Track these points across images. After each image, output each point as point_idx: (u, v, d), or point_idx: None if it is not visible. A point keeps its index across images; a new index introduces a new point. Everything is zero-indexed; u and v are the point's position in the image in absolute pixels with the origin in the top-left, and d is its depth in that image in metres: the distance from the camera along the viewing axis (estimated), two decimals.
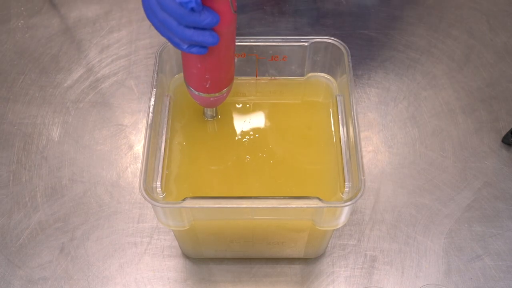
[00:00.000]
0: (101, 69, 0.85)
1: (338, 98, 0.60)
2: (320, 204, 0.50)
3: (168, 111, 0.60)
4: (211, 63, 0.52)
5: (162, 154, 0.57)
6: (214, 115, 0.62)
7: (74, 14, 0.92)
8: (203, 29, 0.47)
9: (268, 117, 0.63)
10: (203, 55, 0.50)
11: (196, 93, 0.56)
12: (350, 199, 0.50)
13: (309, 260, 0.68)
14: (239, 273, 0.67)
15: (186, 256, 0.68)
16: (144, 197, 0.50)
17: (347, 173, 0.55)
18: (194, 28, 0.47)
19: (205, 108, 0.61)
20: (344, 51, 0.59)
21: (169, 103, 0.61)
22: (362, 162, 0.52)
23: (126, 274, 0.67)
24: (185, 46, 0.49)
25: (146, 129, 0.54)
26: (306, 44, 0.61)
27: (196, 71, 0.53)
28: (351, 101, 0.56)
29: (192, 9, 0.44)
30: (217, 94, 0.56)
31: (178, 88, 0.64)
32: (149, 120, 0.55)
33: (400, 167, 0.75)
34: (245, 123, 0.62)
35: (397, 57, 0.87)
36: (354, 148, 0.53)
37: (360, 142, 0.53)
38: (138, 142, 0.77)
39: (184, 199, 0.50)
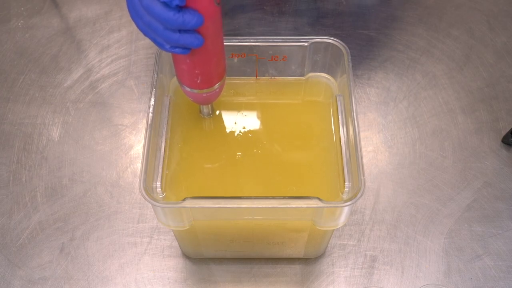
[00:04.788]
0: (101, 69, 0.85)
1: (338, 98, 0.60)
2: (320, 204, 0.50)
3: (168, 111, 0.60)
4: (199, 58, 0.52)
5: (162, 154, 0.57)
6: (210, 112, 0.62)
7: (74, 14, 0.92)
8: (187, 31, 0.47)
9: (268, 117, 0.63)
10: (192, 53, 0.50)
11: (189, 89, 0.56)
12: (350, 199, 0.50)
13: (309, 260, 0.68)
14: (239, 273, 0.67)
15: (186, 256, 0.68)
16: (144, 197, 0.50)
17: (347, 173, 0.55)
18: (180, 31, 0.47)
19: (201, 106, 0.61)
20: (344, 51, 0.59)
21: (169, 103, 0.61)
22: (362, 162, 0.52)
23: (126, 274, 0.67)
24: (168, 46, 0.49)
25: (146, 129, 0.54)
26: (306, 44, 0.61)
27: (185, 67, 0.53)
28: (351, 101, 0.56)
29: (177, 6, 0.45)
30: (209, 90, 0.56)
31: (178, 89, 0.64)
32: (149, 120, 0.55)
33: (400, 167, 0.75)
34: (246, 123, 0.62)
35: (397, 57, 0.87)
36: (354, 148, 0.53)
37: (360, 142, 0.53)
38: (138, 142, 0.77)
39: (184, 199, 0.50)
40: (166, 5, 0.45)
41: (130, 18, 0.91)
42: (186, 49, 0.49)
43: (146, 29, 0.49)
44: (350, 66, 0.58)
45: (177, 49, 0.49)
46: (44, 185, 0.73)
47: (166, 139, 0.58)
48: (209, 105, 0.61)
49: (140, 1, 0.46)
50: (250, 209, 0.54)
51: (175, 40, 0.47)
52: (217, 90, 0.57)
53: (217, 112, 0.63)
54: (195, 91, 0.56)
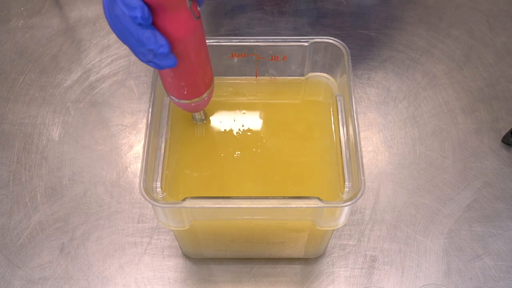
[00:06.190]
0: (101, 69, 0.85)
1: (338, 98, 0.60)
2: (320, 204, 0.50)
3: (168, 111, 0.60)
4: (183, 72, 0.51)
5: (162, 154, 0.57)
6: (203, 118, 0.61)
7: (74, 14, 0.92)
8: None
9: (269, 117, 0.63)
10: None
11: (176, 100, 0.55)
12: (350, 199, 0.50)
13: (309, 260, 0.68)
14: (239, 273, 0.67)
15: (186, 256, 0.68)
16: (144, 197, 0.50)
17: (347, 173, 0.55)
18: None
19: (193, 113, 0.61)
20: (344, 51, 0.59)
21: (169, 103, 0.61)
22: (362, 162, 0.52)
23: (126, 274, 0.67)
24: (144, 59, 0.47)
25: (146, 129, 0.54)
26: (306, 44, 0.61)
27: (171, 79, 0.52)
28: (351, 101, 0.56)
29: (140, 24, 0.43)
30: (198, 99, 0.55)
31: None
32: (149, 120, 0.55)
33: (400, 167, 0.75)
34: (246, 123, 0.62)
35: (397, 57, 0.87)
36: (354, 148, 0.53)
37: (360, 142, 0.53)
38: (138, 142, 0.77)
39: (184, 199, 0.50)
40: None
41: None
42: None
43: (122, 36, 0.46)
44: (350, 66, 0.58)
45: (151, 64, 0.47)
46: (44, 185, 0.73)
47: (166, 139, 0.58)
48: (201, 111, 0.60)
49: (112, 8, 0.44)
50: (250, 209, 0.54)
51: (146, 55, 0.45)
52: (206, 98, 0.56)
53: (217, 113, 0.63)
54: (184, 101, 0.55)
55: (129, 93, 0.82)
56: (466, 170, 0.74)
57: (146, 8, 0.43)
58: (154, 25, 0.45)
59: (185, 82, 0.52)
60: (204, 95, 0.55)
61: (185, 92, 0.53)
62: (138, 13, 0.42)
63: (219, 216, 0.57)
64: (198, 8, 0.47)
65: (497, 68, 0.85)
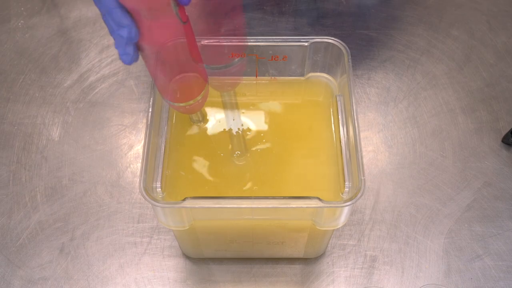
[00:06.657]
0: (101, 69, 0.85)
1: (338, 98, 0.60)
2: (320, 204, 0.50)
3: (168, 111, 0.60)
4: (174, 75, 0.51)
5: (162, 154, 0.57)
6: (201, 119, 0.61)
7: (74, 14, 0.92)
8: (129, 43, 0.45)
9: (269, 117, 0.63)
10: (166, 68, 0.49)
11: (170, 103, 0.55)
12: (350, 199, 0.50)
13: (309, 260, 0.68)
14: (239, 273, 0.67)
15: (186, 256, 0.68)
16: (144, 197, 0.50)
17: (347, 173, 0.55)
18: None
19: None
20: (344, 51, 0.59)
21: None
22: (362, 162, 0.52)
23: (126, 274, 0.67)
24: (110, 33, 0.46)
25: (146, 129, 0.54)
26: (306, 44, 0.61)
27: (162, 82, 0.52)
28: (351, 101, 0.56)
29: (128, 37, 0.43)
30: (191, 102, 0.55)
31: None
32: (149, 120, 0.55)
33: (400, 167, 0.75)
34: (246, 123, 0.62)
35: (397, 57, 0.87)
36: (354, 148, 0.53)
37: (360, 142, 0.53)
38: (138, 142, 0.77)
39: (184, 199, 0.50)
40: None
41: None
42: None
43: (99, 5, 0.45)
44: (350, 66, 0.58)
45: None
46: (44, 185, 0.73)
47: (166, 139, 0.58)
48: (198, 112, 0.60)
49: None
50: (250, 209, 0.54)
51: (112, 33, 0.45)
52: (200, 101, 0.56)
53: (217, 113, 0.63)
54: (179, 104, 0.55)
55: (129, 93, 0.82)
56: (466, 170, 0.74)
57: (134, 29, 0.43)
58: (140, 30, 0.45)
59: (177, 85, 0.52)
60: (198, 98, 0.55)
61: (178, 95, 0.54)
62: (124, 34, 0.43)
63: (219, 216, 0.57)
64: (186, 13, 0.47)
65: (497, 68, 0.85)
